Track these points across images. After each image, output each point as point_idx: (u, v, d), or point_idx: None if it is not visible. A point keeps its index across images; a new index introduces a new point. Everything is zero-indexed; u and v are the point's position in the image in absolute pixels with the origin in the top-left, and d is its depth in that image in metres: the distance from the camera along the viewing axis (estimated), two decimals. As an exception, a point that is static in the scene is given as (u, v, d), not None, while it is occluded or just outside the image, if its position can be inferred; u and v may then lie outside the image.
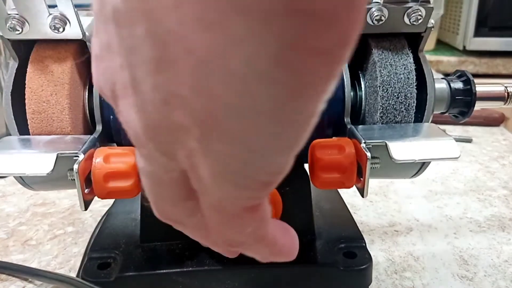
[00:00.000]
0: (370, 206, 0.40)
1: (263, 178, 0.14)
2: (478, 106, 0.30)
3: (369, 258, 0.28)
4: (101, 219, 0.33)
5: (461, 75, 0.30)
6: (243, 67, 0.11)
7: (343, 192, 0.37)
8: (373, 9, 0.25)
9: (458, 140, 0.56)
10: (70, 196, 0.42)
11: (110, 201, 0.35)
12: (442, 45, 1.32)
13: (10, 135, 0.26)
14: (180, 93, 0.12)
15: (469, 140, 0.56)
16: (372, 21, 0.25)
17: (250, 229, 0.16)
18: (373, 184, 0.44)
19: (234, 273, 0.27)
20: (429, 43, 1.27)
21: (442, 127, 0.61)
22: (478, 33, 1.15)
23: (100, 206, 0.40)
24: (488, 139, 0.58)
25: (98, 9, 0.14)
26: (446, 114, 0.31)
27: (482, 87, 0.30)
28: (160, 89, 0.12)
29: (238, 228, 0.16)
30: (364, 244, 0.29)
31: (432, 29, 0.26)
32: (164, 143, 0.14)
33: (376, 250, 0.33)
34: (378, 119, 0.26)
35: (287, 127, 0.12)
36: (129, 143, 0.26)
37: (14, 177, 0.26)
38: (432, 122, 0.28)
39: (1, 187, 0.45)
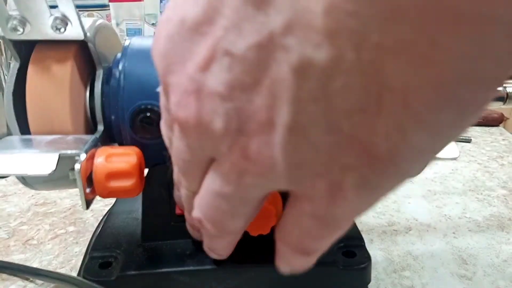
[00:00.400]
0: (370, 205, 0.41)
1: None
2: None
3: (368, 258, 0.28)
4: (102, 219, 0.34)
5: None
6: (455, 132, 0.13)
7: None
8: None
9: (457, 140, 0.56)
10: (72, 196, 0.43)
11: (112, 201, 0.36)
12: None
13: (12, 135, 0.26)
14: (368, 139, 0.13)
15: (468, 140, 0.56)
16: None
17: (333, 240, 0.17)
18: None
19: (234, 272, 0.27)
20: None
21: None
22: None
23: (102, 205, 0.40)
24: (487, 139, 0.58)
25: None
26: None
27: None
28: (340, 134, 0.13)
29: (328, 241, 0.17)
30: (363, 244, 0.29)
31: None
32: (306, 175, 0.14)
33: (375, 249, 0.33)
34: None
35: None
36: (130, 143, 0.26)
37: (15, 176, 0.26)
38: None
39: (2, 187, 0.45)
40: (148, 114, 0.26)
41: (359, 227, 0.31)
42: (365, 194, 0.14)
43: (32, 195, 0.43)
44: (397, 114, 0.12)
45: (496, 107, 0.32)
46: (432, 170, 0.48)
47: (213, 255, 0.23)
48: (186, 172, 0.19)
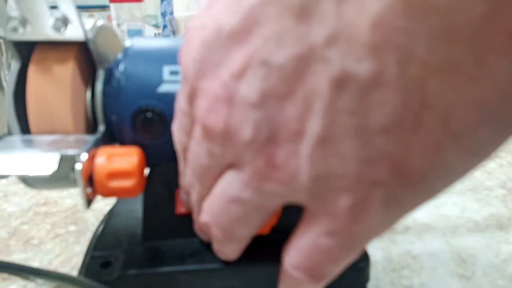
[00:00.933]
0: (369, 205, 0.41)
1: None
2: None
3: (367, 257, 0.28)
4: (103, 218, 0.34)
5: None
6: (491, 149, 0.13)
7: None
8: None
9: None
10: (73, 196, 0.43)
11: (113, 200, 0.36)
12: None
13: (12, 134, 0.27)
14: (401, 156, 0.13)
15: (467, 140, 0.56)
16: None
17: (351, 258, 0.17)
18: (372, 184, 0.45)
19: (235, 272, 0.27)
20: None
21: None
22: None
23: (103, 205, 0.40)
24: (487, 139, 0.58)
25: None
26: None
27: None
28: (372, 149, 0.13)
29: (342, 264, 0.17)
30: (363, 243, 0.29)
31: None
32: (329, 189, 0.14)
33: (374, 248, 0.34)
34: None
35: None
36: (131, 143, 0.26)
37: (16, 177, 0.26)
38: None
39: (3, 186, 0.45)
40: (149, 114, 0.26)
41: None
42: (390, 211, 0.14)
43: (33, 195, 0.43)
44: (435, 132, 0.12)
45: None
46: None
47: (222, 256, 0.24)
48: (202, 176, 0.19)
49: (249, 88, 0.14)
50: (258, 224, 0.18)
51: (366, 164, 0.13)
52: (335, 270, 0.17)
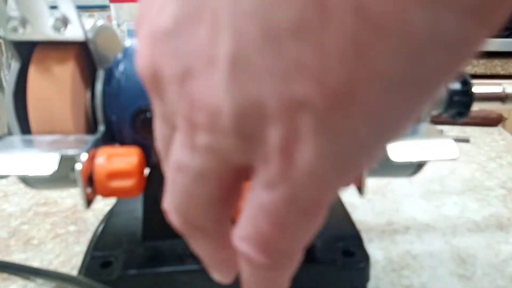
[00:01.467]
0: (368, 205, 0.41)
1: (366, 164, 0.12)
2: (476, 107, 0.30)
3: (367, 257, 0.28)
4: (103, 218, 0.34)
5: (459, 76, 0.30)
6: (427, 33, 0.09)
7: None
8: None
9: (456, 140, 0.57)
10: (73, 196, 0.43)
11: (113, 200, 0.36)
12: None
13: (12, 135, 0.27)
14: (319, 63, 0.10)
15: (466, 140, 0.56)
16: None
17: (306, 237, 0.14)
18: (371, 183, 0.45)
19: (234, 271, 0.27)
20: (428, 43, 1.28)
21: (439, 127, 0.62)
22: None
23: (103, 205, 0.40)
24: (486, 139, 0.58)
25: None
26: (444, 115, 0.31)
27: (480, 88, 0.30)
28: (286, 59, 0.11)
29: (295, 233, 0.13)
30: (362, 243, 0.29)
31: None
32: (255, 124, 0.12)
33: (375, 248, 0.34)
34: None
35: (425, 100, 0.11)
36: (131, 143, 0.26)
37: (16, 176, 0.26)
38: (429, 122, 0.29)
39: (3, 186, 0.45)
40: (149, 114, 0.26)
41: (358, 226, 0.31)
42: (329, 142, 0.11)
43: (33, 195, 0.43)
44: (349, 24, 0.10)
45: (495, 107, 0.32)
46: (430, 170, 0.48)
47: (210, 270, 0.19)
48: (162, 150, 0.16)
49: (166, 15, 0.13)
50: (211, 201, 0.15)
51: (284, 80, 0.11)
52: (289, 241, 0.14)
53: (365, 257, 0.28)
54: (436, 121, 0.67)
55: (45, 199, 0.42)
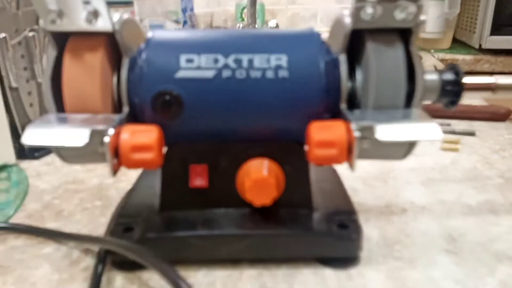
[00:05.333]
0: (370, 190, 0.43)
1: None
2: (468, 96, 0.33)
3: (360, 229, 0.31)
4: (126, 194, 0.38)
5: (452, 68, 0.33)
6: None
7: (345, 177, 0.40)
8: (367, 7, 0.28)
9: (461, 133, 0.59)
10: (98, 176, 0.47)
11: (134, 180, 0.40)
12: (459, 44, 1.33)
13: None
14: None
15: (472, 133, 0.58)
16: (366, 18, 0.28)
17: None
18: (374, 170, 0.48)
19: (240, 237, 0.30)
20: (445, 42, 1.28)
21: (448, 121, 0.64)
22: (494, 31, 1.16)
23: (125, 184, 0.44)
24: (492, 133, 0.60)
25: None
26: (438, 103, 0.34)
27: (470, 78, 0.33)
28: None
29: None
30: (356, 218, 0.32)
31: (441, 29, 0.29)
32: None
33: (371, 227, 0.36)
34: (371, 105, 0.29)
35: None
36: (151, 122, 0.30)
37: (52, 150, 0.30)
38: (438, 116, 0.31)
39: (36, 167, 0.50)
40: (168, 97, 0.30)
41: (358, 208, 0.34)
42: None
43: (63, 175, 0.47)
44: None
45: (486, 96, 0.34)
46: (433, 160, 0.50)
47: None
48: None
49: None
50: None
51: None
52: None
53: (357, 230, 0.31)
54: (445, 115, 0.69)
55: (74, 178, 0.47)
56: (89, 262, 0.32)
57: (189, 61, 0.30)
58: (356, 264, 0.32)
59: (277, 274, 0.31)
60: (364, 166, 0.48)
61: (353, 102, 0.31)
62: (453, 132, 0.59)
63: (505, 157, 0.52)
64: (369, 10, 0.28)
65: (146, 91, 0.30)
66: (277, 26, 1.14)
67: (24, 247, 0.35)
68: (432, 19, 1.24)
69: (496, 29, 1.16)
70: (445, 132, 0.60)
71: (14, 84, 0.50)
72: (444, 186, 0.44)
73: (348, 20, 0.29)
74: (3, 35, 0.48)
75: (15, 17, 0.50)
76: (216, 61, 0.30)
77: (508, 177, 0.46)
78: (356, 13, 0.28)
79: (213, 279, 0.30)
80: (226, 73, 0.29)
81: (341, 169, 0.44)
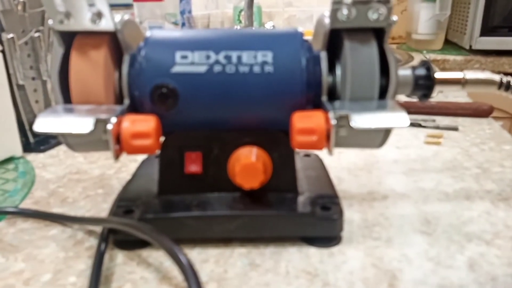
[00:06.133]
0: (355, 179, 0.47)
1: None
2: (438, 89, 0.36)
3: (341, 211, 0.34)
4: (128, 181, 0.41)
5: (424, 64, 0.36)
6: None
7: (332, 167, 0.43)
8: (343, 8, 0.31)
9: (445, 128, 0.62)
10: (100, 167, 0.50)
11: (133, 170, 0.43)
12: (450, 45, 1.36)
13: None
14: None
15: (455, 128, 0.61)
16: (343, 18, 0.31)
17: None
18: (360, 161, 0.51)
19: (231, 218, 0.33)
20: (437, 43, 1.32)
21: (433, 117, 0.67)
22: (484, 33, 1.20)
23: (126, 175, 0.47)
24: (474, 128, 0.63)
25: None
26: (412, 96, 0.37)
27: (441, 74, 0.36)
28: None
29: None
30: (338, 201, 0.35)
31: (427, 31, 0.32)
32: None
33: (353, 212, 0.39)
34: (348, 97, 0.33)
35: None
36: (150, 113, 0.33)
37: (59, 138, 0.33)
38: (423, 112, 0.34)
39: (42, 159, 0.53)
40: (164, 90, 0.33)
41: (342, 195, 0.37)
42: None
43: (67, 166, 0.50)
44: None
45: (456, 89, 0.37)
46: (416, 153, 0.54)
47: None
48: None
49: None
50: None
51: None
52: None
53: (339, 211, 0.34)
54: (430, 112, 0.72)
55: (77, 169, 0.50)
56: (93, 242, 0.35)
57: (184, 57, 0.33)
58: (337, 243, 0.35)
59: (265, 252, 0.34)
60: (350, 158, 0.52)
61: (334, 95, 0.35)
62: (437, 127, 0.62)
63: (484, 149, 0.55)
64: (344, 11, 0.31)
65: (145, 85, 0.33)
66: (274, 28, 1.17)
67: (32, 229, 0.37)
68: (424, 21, 1.27)
69: (486, 31, 1.19)
70: (429, 127, 0.63)
71: (21, 82, 0.53)
72: (424, 175, 0.47)
73: (327, 21, 0.32)
74: (11, 35, 0.51)
75: (22, 18, 0.54)
76: (208, 57, 0.33)
77: (485, 168, 0.49)
78: (333, 14, 0.31)
79: (206, 257, 0.33)
80: (217, 68, 0.33)
81: (329, 160, 0.48)
